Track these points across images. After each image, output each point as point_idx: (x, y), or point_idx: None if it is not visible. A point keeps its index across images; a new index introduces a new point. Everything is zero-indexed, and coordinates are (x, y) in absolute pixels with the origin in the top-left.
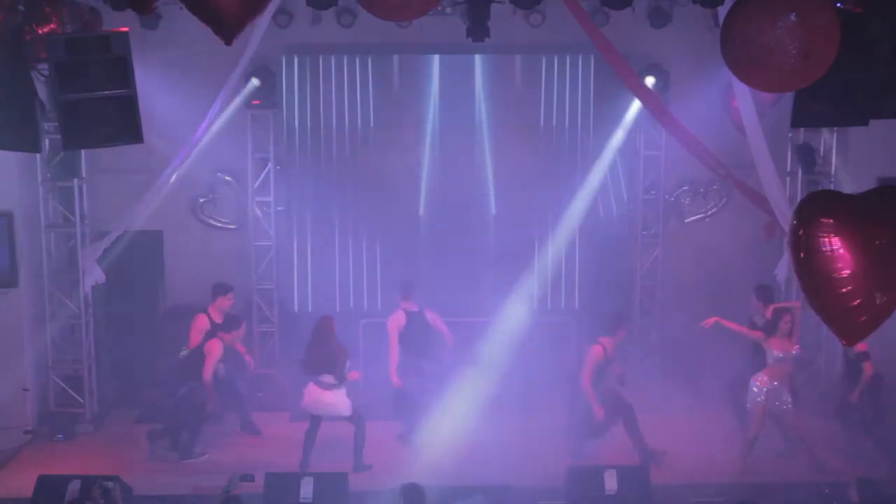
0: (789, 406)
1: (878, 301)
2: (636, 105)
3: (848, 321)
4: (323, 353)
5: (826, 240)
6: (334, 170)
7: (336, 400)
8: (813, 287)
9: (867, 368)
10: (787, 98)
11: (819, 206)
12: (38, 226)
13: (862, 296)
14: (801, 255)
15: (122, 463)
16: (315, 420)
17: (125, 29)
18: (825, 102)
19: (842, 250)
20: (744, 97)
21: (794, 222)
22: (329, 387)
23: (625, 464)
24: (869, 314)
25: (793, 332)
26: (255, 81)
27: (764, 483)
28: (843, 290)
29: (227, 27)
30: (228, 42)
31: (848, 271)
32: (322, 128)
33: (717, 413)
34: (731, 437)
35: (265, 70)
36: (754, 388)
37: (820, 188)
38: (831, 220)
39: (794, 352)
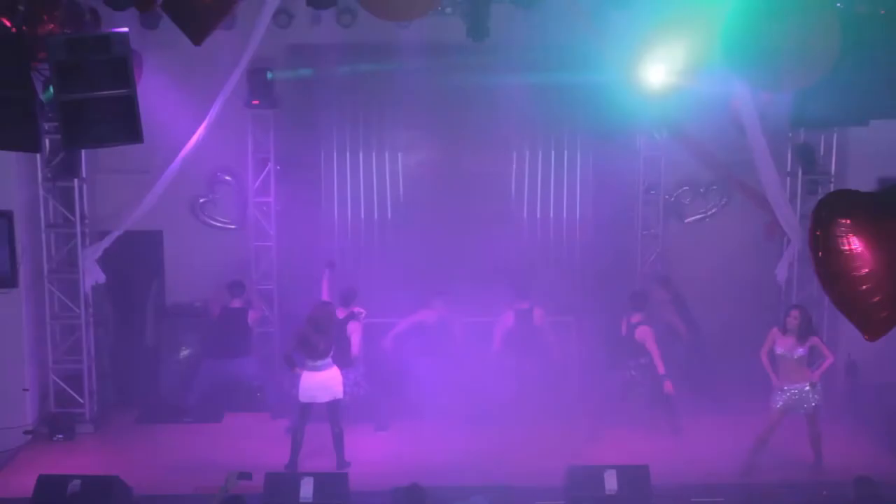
0: (811, 407)
1: None
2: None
3: (870, 317)
4: (324, 340)
5: (844, 239)
6: (334, 169)
7: (332, 377)
8: (833, 285)
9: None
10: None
11: (836, 207)
12: (38, 226)
13: (882, 292)
14: (820, 255)
15: (122, 463)
16: (305, 410)
17: (125, 29)
18: (825, 102)
19: (860, 248)
20: (744, 97)
21: (812, 224)
22: (322, 367)
23: (625, 464)
24: (890, 309)
25: (799, 332)
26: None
27: (764, 483)
28: (863, 287)
29: (198, 28)
30: (198, 42)
31: (867, 269)
32: (322, 128)
33: (716, 412)
34: (730, 437)
35: (264, 71)
36: (778, 390)
37: (819, 188)
38: (849, 220)
39: (799, 351)
